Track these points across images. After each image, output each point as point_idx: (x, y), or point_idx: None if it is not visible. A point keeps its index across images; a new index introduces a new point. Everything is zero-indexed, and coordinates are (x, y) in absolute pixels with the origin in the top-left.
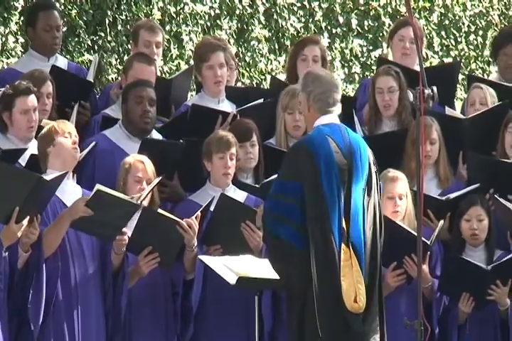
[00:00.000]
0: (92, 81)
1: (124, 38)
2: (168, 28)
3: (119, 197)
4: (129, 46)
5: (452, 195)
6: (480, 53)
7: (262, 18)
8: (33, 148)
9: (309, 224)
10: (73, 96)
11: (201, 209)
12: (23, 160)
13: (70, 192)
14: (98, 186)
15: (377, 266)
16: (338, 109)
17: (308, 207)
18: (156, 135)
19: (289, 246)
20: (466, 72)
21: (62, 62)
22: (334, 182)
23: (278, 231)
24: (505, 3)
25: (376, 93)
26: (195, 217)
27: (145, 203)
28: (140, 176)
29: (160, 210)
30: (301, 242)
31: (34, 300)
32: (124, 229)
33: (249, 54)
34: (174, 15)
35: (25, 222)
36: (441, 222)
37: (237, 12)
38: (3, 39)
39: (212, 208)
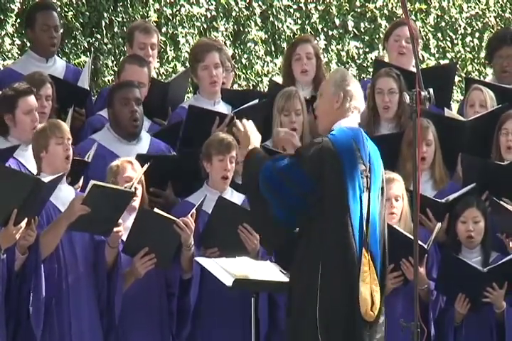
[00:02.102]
0: (87, 87)
1: (120, 39)
2: (164, 29)
3: (114, 187)
4: (126, 48)
5: (451, 197)
6: (476, 55)
7: (259, 20)
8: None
9: (328, 228)
10: (69, 103)
11: (195, 207)
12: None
13: (63, 196)
14: (92, 181)
15: (385, 273)
16: (359, 116)
17: (328, 209)
18: (145, 137)
19: (272, 217)
20: (463, 74)
21: (60, 64)
22: (357, 187)
23: (270, 200)
24: (501, 5)
25: (376, 93)
26: (191, 215)
27: (139, 189)
28: (129, 176)
29: (156, 209)
30: (289, 224)
31: (35, 302)
32: (119, 221)
33: (245, 56)
34: (170, 17)
35: (23, 224)
36: (439, 225)
37: (234, 14)
38: (0, 41)
39: (204, 208)
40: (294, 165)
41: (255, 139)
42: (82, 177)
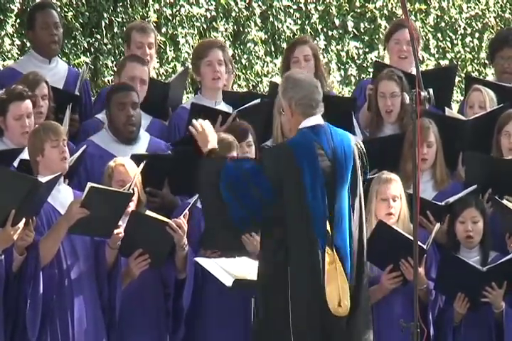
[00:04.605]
0: (79, 94)
1: (120, 40)
2: (164, 30)
3: (112, 189)
4: (124, 48)
5: (451, 199)
6: (476, 55)
7: (258, 21)
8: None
9: (291, 228)
10: (62, 108)
11: (188, 207)
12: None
13: (62, 197)
14: (89, 184)
15: (363, 266)
16: (321, 109)
17: (289, 211)
18: (144, 136)
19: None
20: (463, 75)
21: (62, 66)
22: (318, 186)
23: (228, 201)
24: (501, 5)
25: (378, 97)
26: (184, 216)
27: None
28: (123, 180)
29: (148, 212)
30: (244, 224)
31: (31, 312)
32: (119, 223)
33: (245, 56)
34: (170, 18)
35: (20, 224)
36: (438, 224)
37: (234, 14)
38: (0, 41)
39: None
40: (259, 170)
41: (213, 139)
42: (72, 179)
